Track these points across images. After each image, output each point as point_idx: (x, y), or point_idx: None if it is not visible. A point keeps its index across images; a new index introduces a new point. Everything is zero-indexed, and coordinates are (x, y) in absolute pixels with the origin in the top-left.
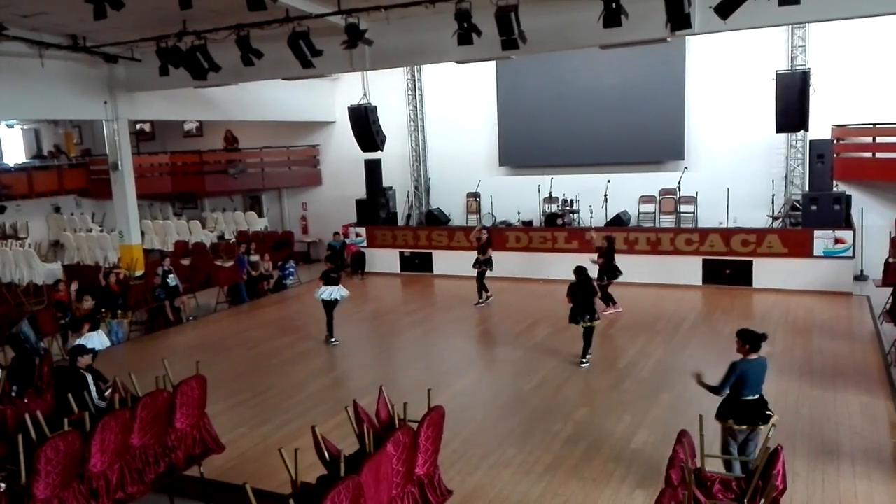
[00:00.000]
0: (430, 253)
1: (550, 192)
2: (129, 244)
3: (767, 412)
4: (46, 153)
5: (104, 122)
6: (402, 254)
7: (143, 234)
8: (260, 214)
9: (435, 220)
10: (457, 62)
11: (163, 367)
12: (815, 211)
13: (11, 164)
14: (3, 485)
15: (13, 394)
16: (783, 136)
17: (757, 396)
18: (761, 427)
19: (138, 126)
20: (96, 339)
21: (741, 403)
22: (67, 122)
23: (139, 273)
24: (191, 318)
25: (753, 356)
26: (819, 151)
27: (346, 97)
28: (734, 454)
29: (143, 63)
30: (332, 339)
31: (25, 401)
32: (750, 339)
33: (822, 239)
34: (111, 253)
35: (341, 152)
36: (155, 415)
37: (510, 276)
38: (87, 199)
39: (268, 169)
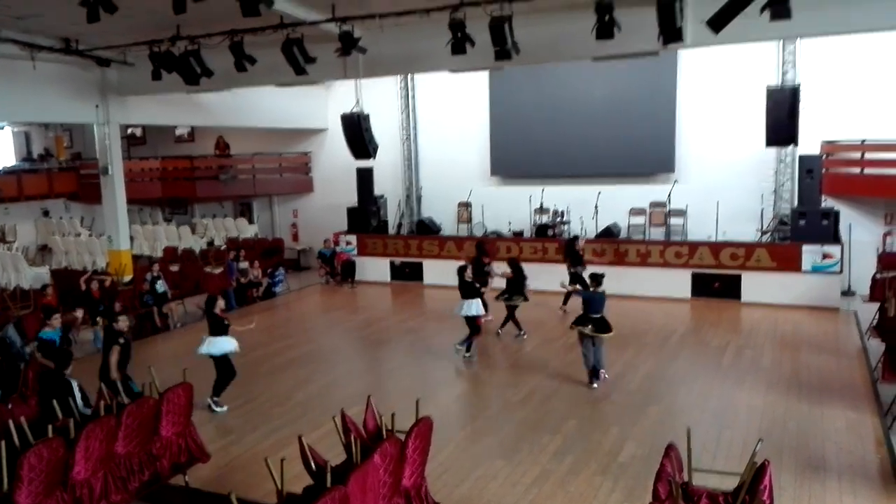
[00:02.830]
0: (421, 262)
1: (542, 203)
2: (118, 249)
3: (608, 327)
4: (36, 156)
5: (95, 126)
6: (392, 263)
7: (132, 239)
8: (250, 221)
9: (426, 229)
10: (450, 71)
11: (149, 373)
12: (803, 226)
13: (0, 168)
14: None
15: None
16: (773, 150)
17: (599, 316)
18: (604, 336)
19: (130, 131)
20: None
21: (590, 318)
22: (58, 126)
23: (128, 278)
24: (179, 324)
25: (599, 290)
26: (808, 166)
27: (339, 105)
28: (588, 356)
29: (135, 67)
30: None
31: (9, 406)
32: (595, 279)
33: (810, 254)
34: (100, 258)
35: (333, 160)
36: (140, 422)
37: (499, 287)
38: (77, 203)
39: (259, 175)
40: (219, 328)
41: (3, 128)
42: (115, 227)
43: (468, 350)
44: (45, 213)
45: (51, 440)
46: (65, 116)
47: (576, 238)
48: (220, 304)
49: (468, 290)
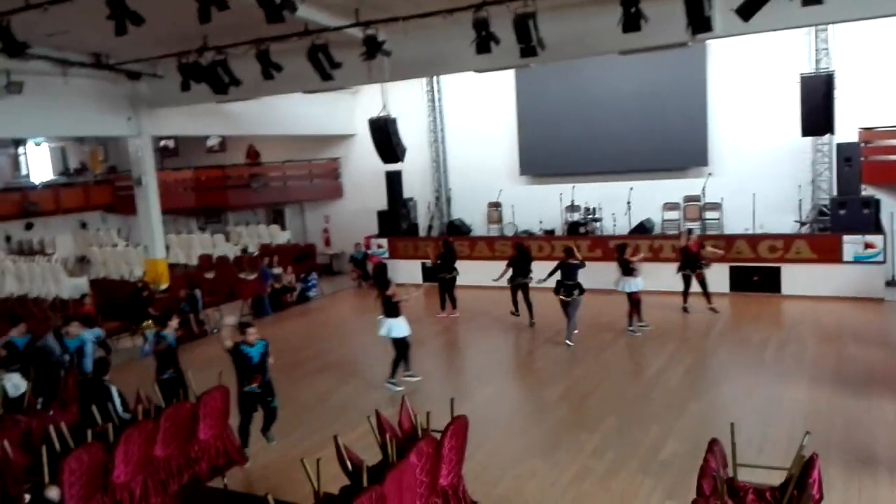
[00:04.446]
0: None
1: (572, 201)
2: (154, 258)
3: (578, 290)
4: (73, 171)
5: (128, 139)
6: (423, 264)
7: (167, 248)
8: (283, 227)
9: (456, 230)
10: (476, 71)
11: (186, 378)
12: (843, 215)
13: (39, 182)
14: (28, 496)
15: (38, 406)
16: (809, 139)
17: (573, 283)
18: (575, 297)
19: (162, 143)
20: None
21: (564, 285)
22: (93, 140)
23: (164, 286)
24: (215, 330)
25: (572, 261)
26: (846, 155)
27: (366, 110)
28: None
29: (164, 79)
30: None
31: (51, 413)
32: (567, 252)
33: (851, 244)
34: (137, 267)
35: (362, 165)
36: (178, 426)
37: (533, 286)
38: (113, 214)
39: (290, 182)
40: (392, 310)
41: (39, 144)
42: (150, 236)
43: (407, 370)
44: (83, 226)
45: (90, 445)
46: (98, 130)
47: (624, 247)
48: (393, 287)
49: (391, 309)
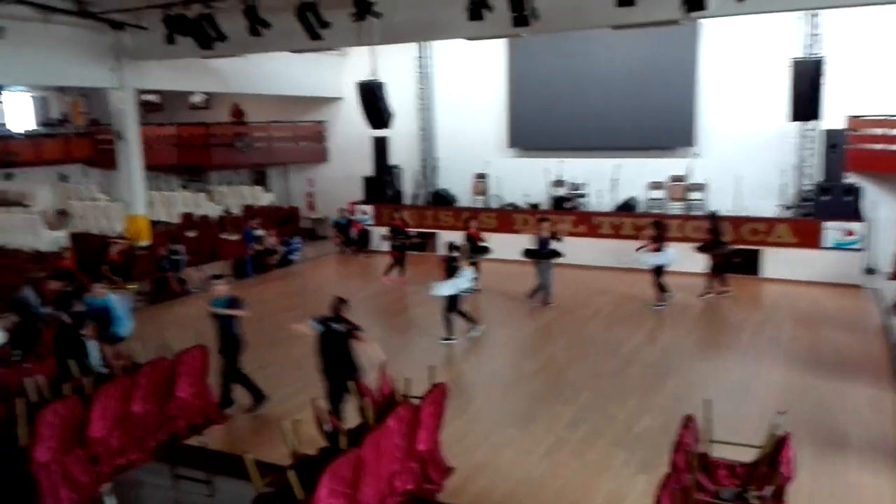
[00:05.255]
0: (436, 233)
1: (559, 176)
2: (135, 214)
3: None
4: (55, 121)
5: (110, 91)
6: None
7: (149, 204)
8: (266, 189)
9: (442, 199)
10: (467, 39)
11: (163, 336)
12: (826, 201)
13: (18, 131)
14: None
15: (15, 358)
16: (796, 124)
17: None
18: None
19: (146, 97)
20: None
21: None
22: (75, 91)
23: (145, 243)
24: (195, 290)
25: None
26: (832, 141)
27: (354, 73)
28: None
29: (149, 31)
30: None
31: (28, 365)
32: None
33: (832, 230)
34: (117, 223)
35: (348, 129)
36: (156, 383)
37: (515, 259)
38: (94, 168)
39: (274, 144)
40: (452, 272)
41: (19, 91)
42: (130, 192)
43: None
44: (63, 178)
45: (67, 398)
46: (79, 80)
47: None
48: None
49: (451, 271)
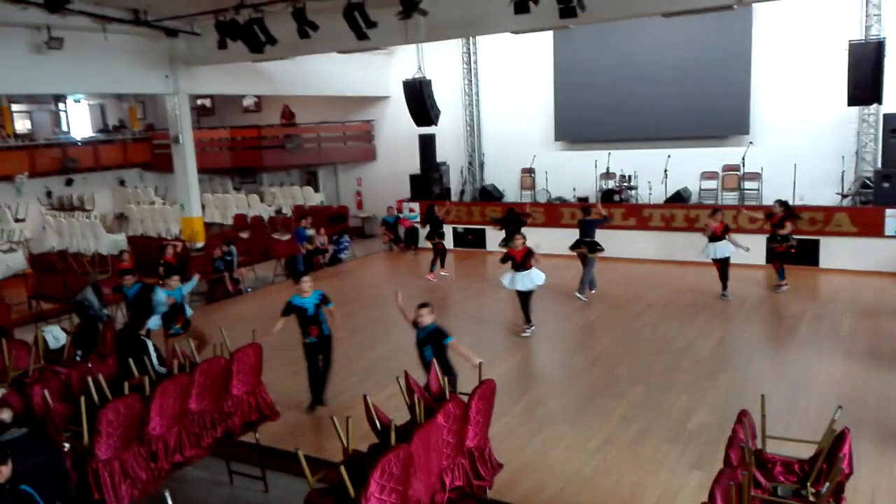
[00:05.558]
0: (484, 229)
1: (608, 168)
2: (190, 216)
3: (598, 248)
4: (111, 127)
5: (166, 97)
6: (455, 229)
7: (203, 207)
8: (316, 189)
9: (489, 195)
10: (513, 33)
11: (221, 335)
12: (887, 188)
13: (79, 138)
14: (67, 445)
15: (78, 358)
16: (854, 109)
17: (590, 239)
18: (592, 255)
19: (199, 102)
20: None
21: (581, 241)
22: (131, 97)
23: (200, 244)
24: (249, 289)
25: (586, 217)
26: (893, 126)
27: (401, 72)
28: (589, 275)
29: (202, 37)
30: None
31: (89, 365)
32: (584, 210)
33: (894, 218)
34: (173, 225)
35: (396, 127)
36: (212, 381)
37: (566, 254)
38: (150, 172)
39: (324, 144)
40: (521, 265)
41: (79, 101)
42: (186, 194)
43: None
44: (121, 183)
45: (127, 397)
46: (136, 87)
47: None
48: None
49: (520, 264)
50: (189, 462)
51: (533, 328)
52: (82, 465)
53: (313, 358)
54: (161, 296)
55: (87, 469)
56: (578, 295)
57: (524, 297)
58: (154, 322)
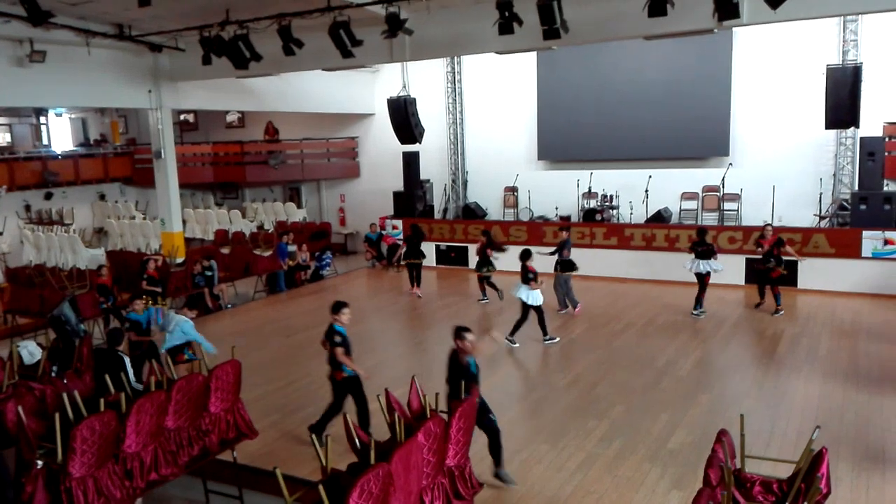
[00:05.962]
0: (466, 247)
1: (590, 188)
2: (171, 231)
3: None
4: (93, 141)
5: (149, 111)
6: (438, 247)
7: (184, 222)
8: (299, 206)
9: (472, 213)
10: (497, 53)
11: (198, 351)
12: (864, 210)
13: (59, 152)
14: (40, 462)
15: (53, 373)
16: (832, 132)
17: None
18: (570, 274)
19: (182, 117)
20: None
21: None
22: (113, 111)
23: (180, 260)
24: (229, 305)
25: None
26: (870, 149)
27: (386, 89)
28: (569, 292)
29: (186, 52)
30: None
31: (65, 381)
32: (563, 228)
33: (870, 239)
34: (153, 240)
35: (380, 145)
36: (189, 398)
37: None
38: (131, 186)
39: (307, 160)
40: (527, 279)
41: (60, 114)
42: (167, 209)
43: (545, 334)
44: (101, 197)
45: (103, 413)
46: (119, 101)
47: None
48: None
49: (525, 277)
50: (165, 480)
51: (517, 345)
52: (56, 483)
53: (341, 393)
54: (174, 315)
55: (60, 487)
56: (561, 311)
57: (537, 312)
58: (171, 342)
